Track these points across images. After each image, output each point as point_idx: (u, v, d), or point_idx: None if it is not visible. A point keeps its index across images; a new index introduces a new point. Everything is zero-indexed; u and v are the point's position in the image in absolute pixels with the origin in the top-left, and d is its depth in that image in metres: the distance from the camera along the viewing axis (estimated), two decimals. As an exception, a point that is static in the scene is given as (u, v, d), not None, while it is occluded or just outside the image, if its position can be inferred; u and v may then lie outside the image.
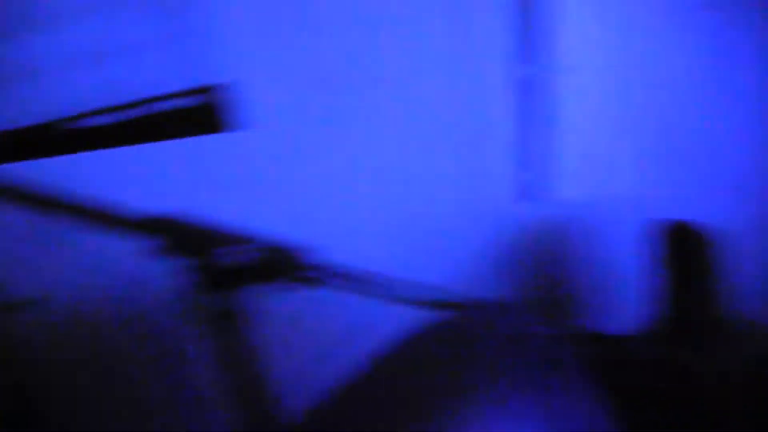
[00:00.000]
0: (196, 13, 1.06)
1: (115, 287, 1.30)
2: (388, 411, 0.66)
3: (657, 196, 1.18)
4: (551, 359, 0.73)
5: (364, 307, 0.80)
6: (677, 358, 1.09)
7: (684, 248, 1.04)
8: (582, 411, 0.71)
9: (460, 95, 1.14)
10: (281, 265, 0.79)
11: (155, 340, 1.35)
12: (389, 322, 0.71)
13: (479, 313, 0.80)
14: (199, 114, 1.09)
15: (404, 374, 0.70)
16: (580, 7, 1.16)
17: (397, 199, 1.17)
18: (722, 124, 1.25)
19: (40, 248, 1.08)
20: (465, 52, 1.13)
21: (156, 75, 1.07)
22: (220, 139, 1.12)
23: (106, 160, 1.09)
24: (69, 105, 1.06)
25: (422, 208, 1.18)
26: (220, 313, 0.78)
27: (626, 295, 1.12)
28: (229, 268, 0.82)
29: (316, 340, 0.98)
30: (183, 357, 1.32)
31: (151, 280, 1.26)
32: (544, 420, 0.66)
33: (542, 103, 1.14)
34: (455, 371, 0.68)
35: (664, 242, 1.04)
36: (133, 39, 1.05)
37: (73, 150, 1.06)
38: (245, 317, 0.78)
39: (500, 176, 1.19)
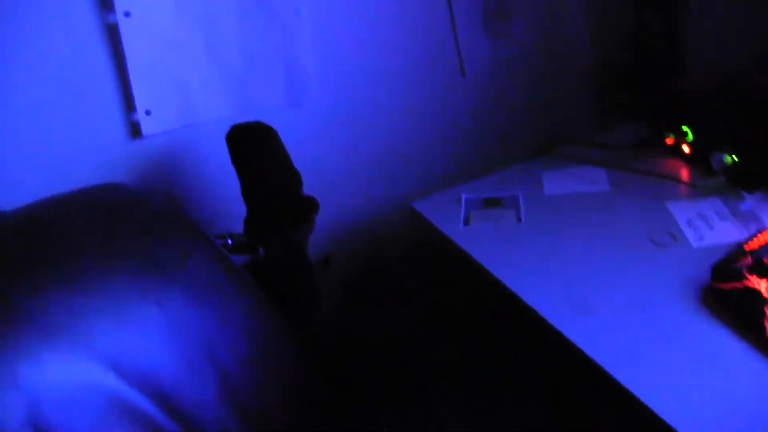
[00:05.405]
0: None
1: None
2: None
3: (233, 114, 1.29)
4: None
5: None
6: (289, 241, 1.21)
7: (251, 146, 1.15)
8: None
9: (57, 49, 1.23)
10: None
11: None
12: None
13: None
14: None
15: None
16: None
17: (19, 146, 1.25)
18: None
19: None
20: (52, 6, 1.20)
21: None
22: None
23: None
24: None
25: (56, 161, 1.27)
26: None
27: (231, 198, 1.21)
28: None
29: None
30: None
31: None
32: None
33: (129, 47, 1.26)
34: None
35: (235, 145, 1.15)
36: None
37: None
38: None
39: (109, 118, 1.31)
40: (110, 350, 0.73)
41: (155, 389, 0.75)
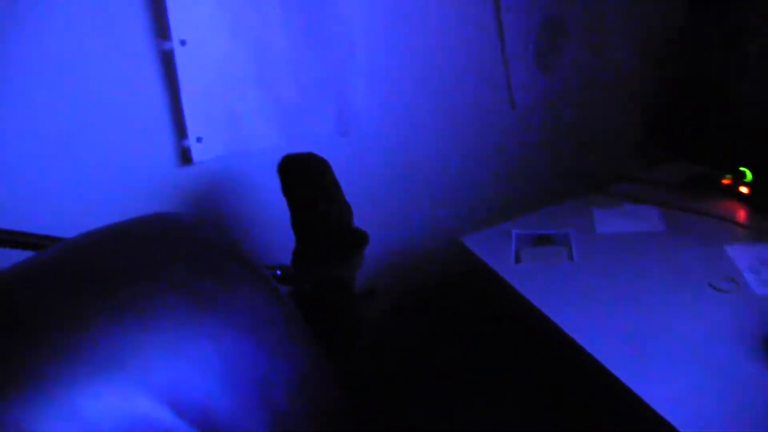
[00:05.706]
0: None
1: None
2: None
3: (283, 143, 1.34)
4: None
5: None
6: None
7: (303, 178, 1.15)
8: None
9: (112, 75, 1.24)
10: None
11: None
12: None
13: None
14: None
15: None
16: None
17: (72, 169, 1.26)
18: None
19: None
20: (110, 33, 1.22)
21: None
22: None
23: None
24: None
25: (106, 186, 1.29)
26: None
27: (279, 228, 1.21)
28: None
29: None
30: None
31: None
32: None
33: (183, 74, 1.27)
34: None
35: (287, 176, 1.15)
36: None
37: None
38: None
39: (160, 144, 1.32)
40: (165, 385, 0.72)
41: (211, 425, 0.74)
